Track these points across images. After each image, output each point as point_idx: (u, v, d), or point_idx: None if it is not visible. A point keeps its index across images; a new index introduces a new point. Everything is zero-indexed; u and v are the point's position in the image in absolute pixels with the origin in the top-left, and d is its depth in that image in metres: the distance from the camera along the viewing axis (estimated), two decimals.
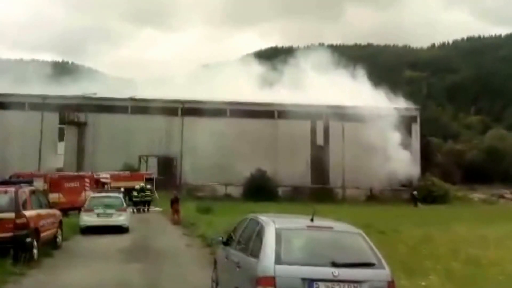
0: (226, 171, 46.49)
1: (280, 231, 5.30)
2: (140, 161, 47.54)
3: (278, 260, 4.98)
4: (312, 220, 5.67)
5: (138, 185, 30.39)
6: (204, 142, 45.57)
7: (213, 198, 40.11)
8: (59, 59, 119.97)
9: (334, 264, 4.98)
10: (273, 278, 4.88)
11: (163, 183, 39.31)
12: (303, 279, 4.90)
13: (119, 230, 17.24)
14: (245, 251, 5.77)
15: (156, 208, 30.51)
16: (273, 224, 5.48)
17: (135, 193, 29.13)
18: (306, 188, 48.11)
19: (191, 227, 19.23)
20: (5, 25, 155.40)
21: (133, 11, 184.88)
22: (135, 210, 27.36)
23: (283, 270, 4.93)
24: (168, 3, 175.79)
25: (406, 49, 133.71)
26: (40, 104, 46.48)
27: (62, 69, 56.41)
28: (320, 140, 51.69)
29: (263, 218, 5.98)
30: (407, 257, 10.04)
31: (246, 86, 53.22)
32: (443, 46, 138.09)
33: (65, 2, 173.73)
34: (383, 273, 5.14)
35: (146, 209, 29.18)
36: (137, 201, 28.96)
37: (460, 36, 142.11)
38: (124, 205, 18.60)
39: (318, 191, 47.00)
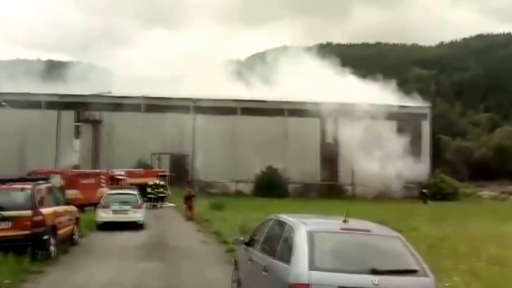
0: (237, 168, 46.72)
1: (312, 234, 4.90)
2: (153, 158, 47.88)
3: (312, 266, 4.59)
4: (345, 221, 5.33)
5: (152, 181, 30.72)
6: (215, 140, 45.75)
7: (224, 194, 40.27)
8: (74, 59, 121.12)
9: (374, 271, 4.56)
10: (308, 285, 4.50)
11: (175, 180, 39.52)
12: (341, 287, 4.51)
13: (134, 226, 17.34)
14: (272, 254, 5.39)
15: (169, 204, 30.76)
16: (303, 226, 5.11)
17: (149, 190, 29.54)
18: (316, 185, 48.07)
19: (204, 223, 19.31)
20: (23, 27, 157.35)
21: (144, 12, 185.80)
22: (149, 206, 27.67)
23: (318, 277, 4.53)
24: (178, 3, 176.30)
25: (415, 47, 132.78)
26: (56, 103, 47.11)
27: (77, 69, 56.93)
28: (329, 138, 51.55)
29: (290, 219, 5.64)
30: (427, 256, 9.88)
31: (256, 84, 53.26)
32: (452, 44, 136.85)
33: (79, 4, 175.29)
34: (427, 281, 4.72)
35: (160, 205, 29.43)
36: (152, 197, 29.27)
37: (469, 34, 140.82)
38: (140, 201, 18.68)
39: (328, 188, 46.92)
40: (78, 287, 8.33)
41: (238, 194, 45.64)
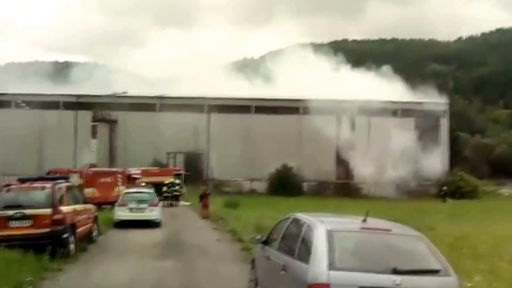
0: (251, 166, 46.79)
1: (331, 233, 4.82)
2: (168, 157, 48.32)
3: (331, 266, 4.51)
4: (365, 220, 5.24)
5: (168, 180, 30.98)
6: (230, 138, 45.91)
7: (238, 193, 40.38)
8: (90, 60, 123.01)
9: (395, 271, 4.47)
10: (327, 285, 4.43)
11: (190, 179, 39.82)
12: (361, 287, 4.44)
13: (151, 224, 17.50)
14: (290, 253, 5.34)
15: (185, 203, 30.99)
16: (322, 225, 5.02)
17: (165, 188, 29.78)
18: (331, 183, 47.80)
19: (220, 222, 19.37)
20: (41, 30, 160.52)
21: (157, 12, 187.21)
22: (166, 204, 27.98)
23: (338, 277, 4.45)
24: (191, 3, 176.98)
25: (432, 43, 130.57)
26: (73, 103, 47.93)
27: (93, 70, 57.85)
28: (345, 135, 51.17)
29: (309, 218, 5.58)
30: (446, 256, 9.71)
31: (270, 82, 53.19)
32: (470, 38, 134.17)
33: (95, 7, 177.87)
34: (450, 281, 4.63)
35: (175, 203, 29.70)
36: (167, 196, 29.61)
37: (488, 28, 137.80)
38: (156, 200, 18.83)
39: (343, 186, 46.61)
40: (97, 285, 8.42)
41: (253, 192, 45.69)
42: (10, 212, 10.06)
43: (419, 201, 36.85)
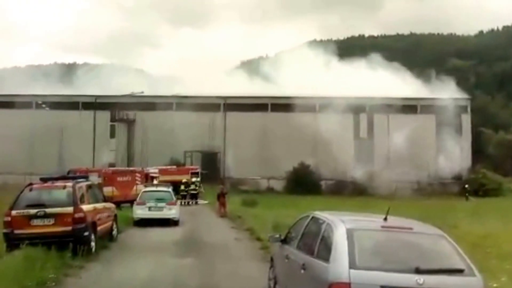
0: (268, 165, 46.71)
1: (351, 232, 4.78)
2: (185, 156, 48.67)
3: (352, 265, 4.46)
4: (385, 219, 5.15)
5: (187, 179, 31.26)
6: (246, 137, 45.91)
7: (255, 191, 40.33)
8: (107, 61, 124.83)
9: (418, 271, 4.41)
10: (348, 284, 4.37)
11: (207, 177, 39.95)
12: (383, 287, 4.36)
13: (169, 222, 17.63)
14: (310, 252, 5.31)
15: (202, 201, 31.15)
16: (342, 224, 4.98)
17: (182, 187, 29.97)
18: (350, 181, 47.32)
19: (237, 220, 19.40)
20: (59, 32, 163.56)
21: (172, 12, 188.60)
22: (183, 202, 28.15)
23: (359, 276, 4.40)
24: (205, 3, 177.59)
25: (452, 37, 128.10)
26: (92, 104, 48.67)
27: (111, 70, 58.63)
28: (364, 133, 50.67)
29: (328, 216, 5.55)
30: (470, 255, 9.48)
31: (285, 80, 52.97)
32: (492, 32, 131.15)
33: (112, 9, 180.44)
34: (474, 281, 4.54)
35: (194, 202, 29.91)
36: (185, 194, 29.85)
37: (511, 21, 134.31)
38: (174, 199, 18.95)
39: (362, 185, 46.12)
40: (118, 282, 8.51)
41: (270, 191, 45.60)
42: (33, 211, 10.25)
43: (441, 200, 36.20)
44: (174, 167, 40.19)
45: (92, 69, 64.48)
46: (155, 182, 26.06)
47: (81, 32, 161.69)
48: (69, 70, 68.59)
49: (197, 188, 30.98)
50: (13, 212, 10.25)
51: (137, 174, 27.35)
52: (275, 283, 6.94)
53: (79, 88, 52.04)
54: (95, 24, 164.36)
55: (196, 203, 29.89)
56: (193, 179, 32.13)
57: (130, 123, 51.07)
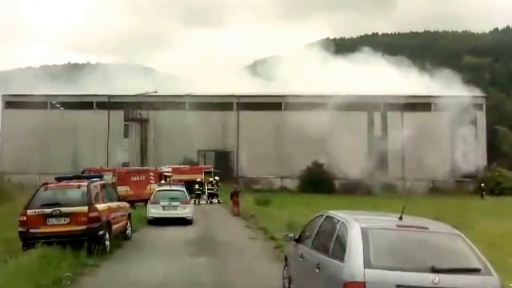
0: (282, 164, 46.63)
1: (366, 231, 4.77)
2: (198, 155, 48.86)
3: (367, 264, 4.46)
4: (400, 218, 5.11)
5: (200, 178, 31.63)
6: (259, 136, 45.89)
7: (269, 190, 40.25)
8: (121, 61, 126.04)
9: (434, 270, 4.39)
10: (363, 284, 4.37)
11: (220, 176, 39.97)
12: (398, 286, 4.33)
13: (183, 221, 17.69)
14: (325, 251, 5.31)
15: (213, 200, 31.30)
16: (357, 223, 4.97)
17: (197, 186, 30.27)
18: (364, 180, 46.95)
19: (251, 219, 19.37)
20: (72, 32, 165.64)
21: (185, 12, 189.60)
22: (196, 201, 28.45)
23: (374, 275, 4.39)
24: (216, 2, 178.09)
25: (467, 35, 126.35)
26: (106, 103, 49.13)
27: (124, 70, 59.13)
28: (378, 131, 50.25)
29: (342, 215, 5.53)
30: (487, 255, 9.31)
31: (299, 78, 52.78)
32: (507, 29, 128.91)
33: (124, 9, 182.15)
34: (491, 280, 4.49)
35: (209, 201, 30.08)
36: (199, 193, 30.13)
37: None
38: (188, 198, 19.00)
39: (377, 184, 45.75)
40: (134, 280, 8.55)
41: (283, 190, 45.49)
42: (48, 210, 10.35)
43: (456, 198, 35.67)
44: (188, 166, 40.41)
45: (106, 69, 65.06)
46: (162, 182, 26.02)
47: (94, 32, 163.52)
48: (82, 70, 69.26)
49: (214, 187, 31.07)
50: (29, 212, 10.36)
51: (151, 174, 27.51)
52: (289, 282, 6.93)
53: (92, 88, 52.51)
54: (107, 24, 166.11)
55: (211, 202, 30.01)
56: (210, 179, 32.28)
57: (143, 122, 51.44)
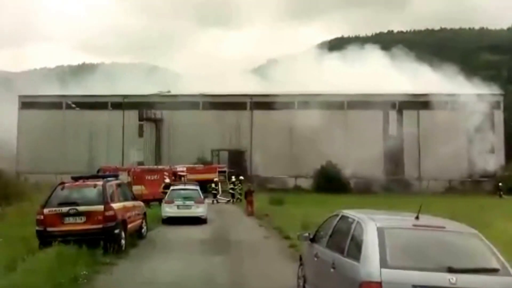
0: (295, 163, 46.48)
1: (382, 230, 4.74)
2: (212, 154, 49.03)
3: (383, 264, 4.42)
4: (417, 217, 5.08)
5: (216, 178, 32.35)
6: (273, 135, 45.82)
7: (283, 190, 40.16)
8: (135, 60, 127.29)
9: (451, 270, 4.35)
10: (379, 283, 4.33)
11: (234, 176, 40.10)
12: (415, 286, 4.30)
13: (197, 221, 17.75)
14: (340, 251, 5.28)
15: (222, 199, 31.66)
16: (373, 223, 4.94)
17: (213, 185, 30.67)
18: (379, 179, 46.53)
19: (265, 219, 19.37)
20: (88, 33, 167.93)
21: (200, 13, 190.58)
22: (215, 201, 28.62)
23: (390, 275, 4.35)
24: (231, 3, 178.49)
25: (484, 31, 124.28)
26: (121, 103, 49.60)
27: (138, 70, 59.68)
28: (393, 130, 49.73)
29: (358, 215, 5.50)
30: (506, 255, 9.11)
31: (313, 78, 52.59)
32: None
33: (138, 10, 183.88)
34: (510, 281, 4.39)
35: (233, 201, 30.31)
36: (216, 193, 30.47)
37: None
38: (202, 197, 19.06)
39: (392, 183, 45.31)
40: (149, 279, 8.59)
41: (297, 189, 45.30)
42: (65, 209, 10.47)
43: (473, 198, 35.11)
44: (202, 165, 40.58)
45: (120, 69, 65.76)
46: (166, 180, 25.91)
47: (109, 32, 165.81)
48: (97, 70, 70.13)
49: (235, 187, 31.15)
50: (46, 210, 10.50)
51: (165, 173, 27.70)
52: (304, 282, 6.90)
53: (107, 88, 53.06)
54: (122, 24, 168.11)
55: (233, 202, 30.06)
56: (233, 178, 32.39)
57: (157, 122, 51.76)
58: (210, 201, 27.67)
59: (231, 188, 31.06)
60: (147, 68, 66.06)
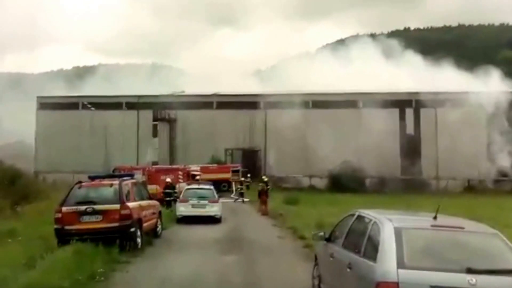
0: (310, 162, 46.20)
1: (399, 230, 4.69)
2: (226, 154, 49.15)
3: (401, 264, 4.38)
4: (435, 218, 5.00)
5: (229, 177, 32.34)
6: (287, 134, 45.66)
7: (297, 189, 40.00)
8: (149, 61, 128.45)
9: (470, 271, 4.27)
10: (396, 284, 4.29)
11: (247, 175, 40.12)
12: (433, 287, 4.24)
13: (212, 220, 17.80)
14: (356, 251, 5.25)
15: (233, 197, 31.75)
16: (390, 223, 4.88)
17: (238, 185, 31.51)
18: (396, 179, 45.98)
19: (279, 218, 19.30)
20: (101, 35, 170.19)
21: (212, 13, 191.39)
22: (239, 200, 28.90)
23: (407, 275, 4.30)
24: (243, 3, 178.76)
25: (504, 28, 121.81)
26: (135, 103, 50.06)
27: (153, 71, 60.21)
28: (410, 129, 49.12)
29: (374, 215, 5.44)
30: None
31: (327, 76, 52.27)
32: None
33: (151, 11, 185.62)
34: None
35: (242, 200, 30.30)
36: (242, 192, 30.77)
37: None
38: (216, 196, 19.10)
39: (409, 182, 44.75)
40: (164, 277, 8.66)
41: (312, 189, 45.01)
42: (82, 208, 10.63)
43: (492, 198, 34.46)
44: (215, 165, 40.69)
45: (134, 69, 66.41)
46: (168, 180, 25.85)
47: (123, 34, 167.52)
48: (112, 71, 70.96)
49: (242, 186, 31.26)
50: (64, 209, 10.67)
51: (179, 172, 27.86)
52: (319, 281, 6.87)
53: (122, 88, 53.59)
54: (136, 25, 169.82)
55: (242, 201, 30.16)
56: (242, 178, 32.52)
57: (171, 122, 52.03)
58: (232, 200, 28.03)
59: (240, 188, 31.13)
60: (161, 68, 66.62)
